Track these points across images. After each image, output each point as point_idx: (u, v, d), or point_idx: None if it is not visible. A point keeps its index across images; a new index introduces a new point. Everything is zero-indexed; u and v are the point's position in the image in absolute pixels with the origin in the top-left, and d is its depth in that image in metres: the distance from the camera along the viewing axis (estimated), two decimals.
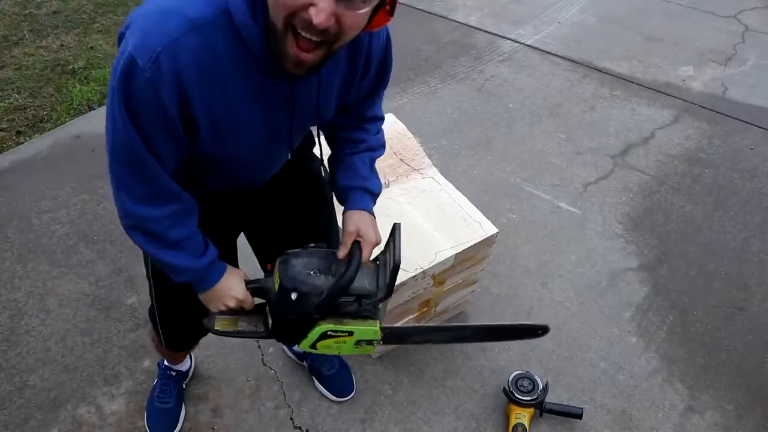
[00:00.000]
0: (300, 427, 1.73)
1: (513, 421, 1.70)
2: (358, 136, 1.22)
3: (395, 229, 1.12)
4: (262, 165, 1.15)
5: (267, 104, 0.97)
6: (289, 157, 1.19)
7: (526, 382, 1.74)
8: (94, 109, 3.01)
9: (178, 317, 1.37)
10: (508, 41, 3.78)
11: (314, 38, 0.81)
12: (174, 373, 1.72)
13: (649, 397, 1.86)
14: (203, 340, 1.51)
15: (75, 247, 2.22)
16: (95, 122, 2.91)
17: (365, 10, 0.81)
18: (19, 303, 2.02)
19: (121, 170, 0.95)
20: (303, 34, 0.81)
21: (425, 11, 4.09)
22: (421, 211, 1.80)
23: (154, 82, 0.82)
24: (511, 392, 1.72)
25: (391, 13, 0.88)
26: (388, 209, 1.76)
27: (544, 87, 3.35)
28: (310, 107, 1.03)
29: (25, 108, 3.00)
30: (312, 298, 1.07)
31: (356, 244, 1.13)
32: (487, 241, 1.77)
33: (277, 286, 1.09)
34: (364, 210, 1.20)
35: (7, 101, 3.02)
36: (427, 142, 2.80)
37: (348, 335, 1.13)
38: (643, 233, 2.45)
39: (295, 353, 1.86)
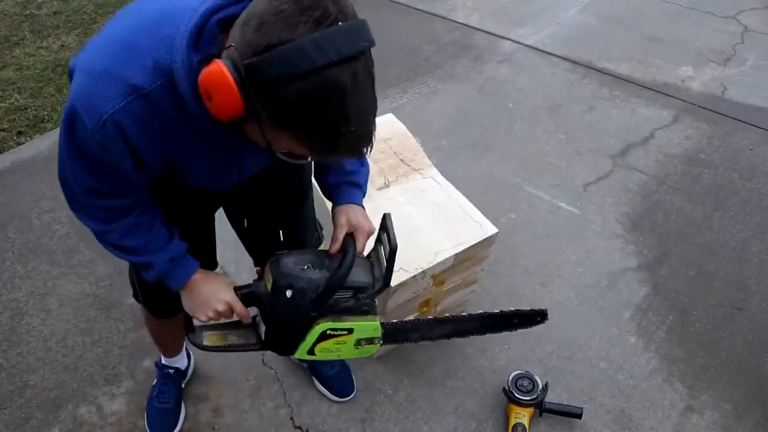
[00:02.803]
0: (300, 427, 1.73)
1: (513, 421, 1.70)
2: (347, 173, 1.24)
3: (386, 219, 1.09)
4: (221, 184, 1.13)
5: (215, 150, 0.99)
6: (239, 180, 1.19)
7: (525, 382, 1.75)
8: None
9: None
10: (508, 41, 3.78)
11: None
12: (172, 372, 1.72)
13: (648, 396, 1.87)
14: None
15: (75, 247, 2.23)
16: None
17: None
18: (19, 303, 2.03)
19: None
20: None
21: (425, 11, 4.09)
22: (421, 212, 1.81)
23: (104, 145, 0.87)
24: (511, 392, 1.73)
25: None
26: (387, 209, 1.76)
27: (544, 87, 3.35)
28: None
29: (25, 108, 3.00)
30: (308, 293, 1.01)
31: (349, 237, 1.12)
32: (487, 242, 1.77)
33: (270, 286, 1.03)
34: (353, 203, 1.19)
35: (8, 101, 3.03)
36: (427, 142, 2.79)
37: (348, 333, 1.08)
38: (642, 233, 2.45)
39: None
